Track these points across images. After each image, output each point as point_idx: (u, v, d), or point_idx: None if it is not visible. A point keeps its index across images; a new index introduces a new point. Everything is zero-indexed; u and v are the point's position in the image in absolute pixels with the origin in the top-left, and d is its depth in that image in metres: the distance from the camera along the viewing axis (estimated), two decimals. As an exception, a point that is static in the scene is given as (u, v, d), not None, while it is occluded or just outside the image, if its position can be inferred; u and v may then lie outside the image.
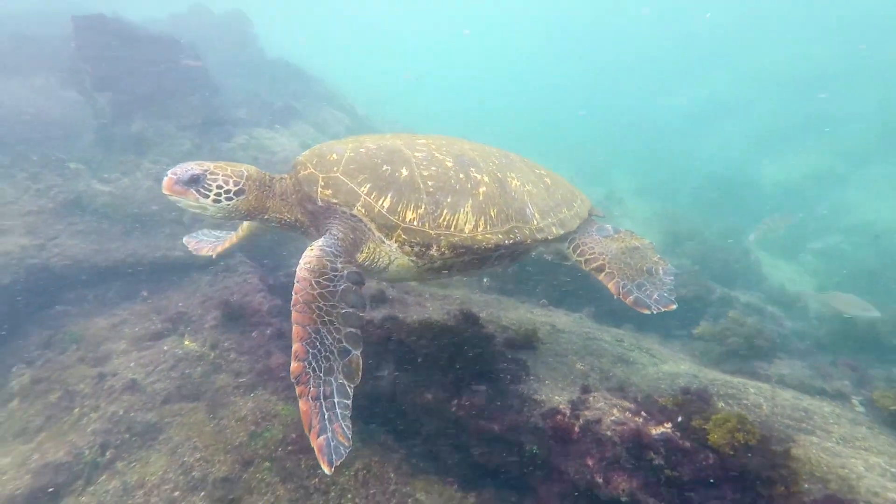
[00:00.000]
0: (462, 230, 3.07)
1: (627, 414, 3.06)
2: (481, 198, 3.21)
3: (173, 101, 8.27)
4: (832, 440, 3.00)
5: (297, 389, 2.43)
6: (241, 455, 3.52)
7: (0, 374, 4.79)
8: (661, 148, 28.28)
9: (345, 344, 2.58)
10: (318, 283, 2.66)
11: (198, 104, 8.60)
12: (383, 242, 3.00)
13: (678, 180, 20.50)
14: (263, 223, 3.26)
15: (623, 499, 2.74)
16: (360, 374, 2.58)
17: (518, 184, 3.53)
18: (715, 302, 7.66)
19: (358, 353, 2.60)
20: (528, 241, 3.35)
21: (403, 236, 2.95)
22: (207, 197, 2.88)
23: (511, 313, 5.39)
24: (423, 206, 3.00)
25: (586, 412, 3.12)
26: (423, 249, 3.01)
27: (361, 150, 3.14)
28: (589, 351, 4.46)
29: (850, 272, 11.65)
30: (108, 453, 3.70)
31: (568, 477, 3.04)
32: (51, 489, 3.42)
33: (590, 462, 2.94)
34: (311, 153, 3.22)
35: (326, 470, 2.24)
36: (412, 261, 3.08)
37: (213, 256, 4.03)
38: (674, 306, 3.45)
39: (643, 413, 3.04)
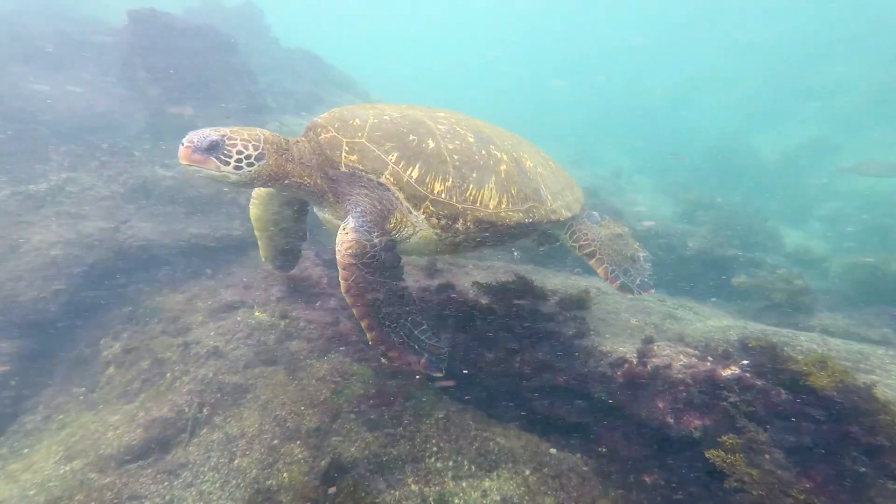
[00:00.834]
0: (487, 206, 3.10)
1: (693, 360, 3.26)
2: (503, 175, 3.24)
3: (219, 89, 8.58)
4: (893, 378, 3.15)
5: (383, 349, 2.84)
6: (327, 409, 3.82)
7: (90, 346, 5.23)
8: (653, 127, 29.05)
9: (398, 293, 2.91)
10: (363, 265, 2.79)
11: (240, 91, 8.90)
12: (410, 213, 3.00)
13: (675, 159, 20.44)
14: (284, 189, 3.14)
15: (696, 434, 2.95)
16: (415, 300, 3.03)
17: (531, 164, 3.59)
18: (743, 264, 7.80)
19: (408, 286, 2.98)
20: (545, 222, 3.45)
21: (431, 208, 2.96)
22: (228, 164, 2.71)
23: (553, 280, 5.60)
24: (451, 180, 3.00)
25: (654, 359, 3.32)
26: (450, 223, 3.03)
27: (385, 117, 3.10)
28: (638, 310, 4.64)
29: (859, 232, 11.75)
30: (204, 410, 4.05)
31: (638, 419, 3.27)
32: (161, 440, 3.80)
33: (660, 404, 3.16)
34: (332, 116, 3.11)
35: (438, 375, 2.87)
36: (436, 233, 3.10)
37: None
38: (652, 290, 3.99)
39: (709, 358, 3.24)
